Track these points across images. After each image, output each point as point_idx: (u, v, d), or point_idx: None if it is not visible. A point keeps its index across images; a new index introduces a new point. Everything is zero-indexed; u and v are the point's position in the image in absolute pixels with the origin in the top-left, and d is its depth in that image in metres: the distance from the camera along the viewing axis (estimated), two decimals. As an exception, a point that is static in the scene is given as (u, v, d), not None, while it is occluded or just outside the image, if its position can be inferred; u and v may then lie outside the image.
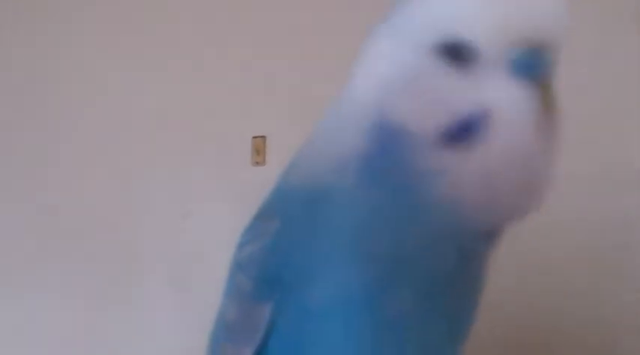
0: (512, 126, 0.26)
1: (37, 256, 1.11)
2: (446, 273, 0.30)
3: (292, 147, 0.39)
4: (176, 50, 1.13)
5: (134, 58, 1.16)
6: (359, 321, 0.29)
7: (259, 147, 1.05)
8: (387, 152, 0.28)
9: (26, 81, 1.19)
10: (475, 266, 0.32)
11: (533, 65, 0.26)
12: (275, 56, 1.06)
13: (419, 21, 0.28)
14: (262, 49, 1.07)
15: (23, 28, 1.21)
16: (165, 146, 1.10)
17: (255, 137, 1.06)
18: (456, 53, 0.27)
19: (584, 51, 0.96)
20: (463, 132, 0.27)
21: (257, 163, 1.05)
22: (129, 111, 1.14)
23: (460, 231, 0.28)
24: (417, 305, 0.29)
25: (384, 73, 0.29)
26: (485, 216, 0.28)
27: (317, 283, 0.30)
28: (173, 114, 1.11)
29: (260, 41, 1.08)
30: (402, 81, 0.28)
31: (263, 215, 0.37)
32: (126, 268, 1.09)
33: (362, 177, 0.29)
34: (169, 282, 1.07)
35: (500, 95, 0.26)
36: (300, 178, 0.34)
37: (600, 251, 0.85)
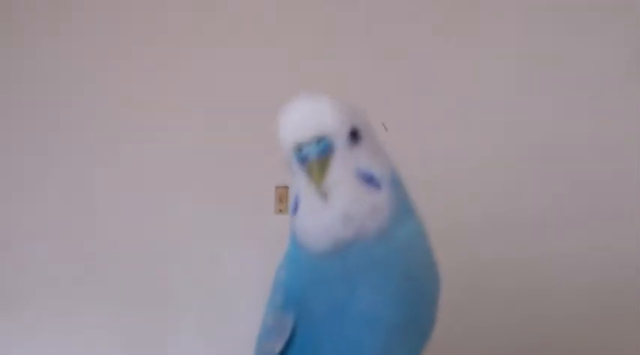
0: (306, 196, 0.42)
1: (76, 301, 1.17)
2: None
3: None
4: (204, 100, 1.21)
5: (163, 105, 1.23)
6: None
7: (282, 196, 1.13)
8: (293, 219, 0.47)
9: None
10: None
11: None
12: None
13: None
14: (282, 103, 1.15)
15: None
16: (195, 196, 1.18)
17: (278, 187, 1.14)
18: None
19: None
20: (295, 207, 0.44)
21: (280, 211, 1.12)
22: (156, 162, 1.21)
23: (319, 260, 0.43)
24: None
25: None
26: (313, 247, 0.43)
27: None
28: (201, 164, 1.19)
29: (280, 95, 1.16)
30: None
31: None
32: (158, 316, 1.14)
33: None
34: (199, 329, 1.12)
35: (299, 178, 0.43)
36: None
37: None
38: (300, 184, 0.41)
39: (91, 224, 1.21)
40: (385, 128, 1.12)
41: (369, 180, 0.41)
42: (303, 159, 0.41)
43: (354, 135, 0.41)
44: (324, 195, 0.39)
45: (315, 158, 0.40)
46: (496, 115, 1.06)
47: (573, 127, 1.02)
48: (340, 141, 0.41)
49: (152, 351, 1.14)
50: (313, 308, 0.42)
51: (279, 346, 0.43)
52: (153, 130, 1.23)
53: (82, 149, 1.24)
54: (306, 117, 0.42)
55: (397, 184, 0.42)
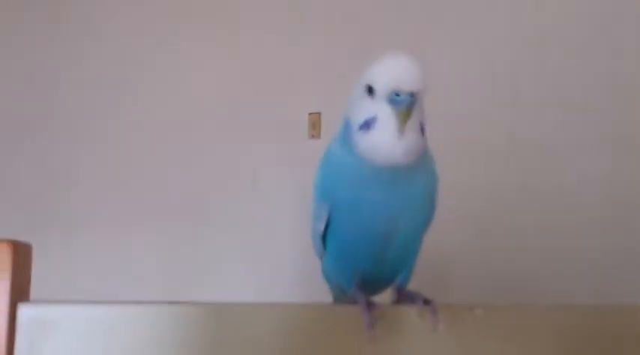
0: (384, 124, 0.55)
1: (124, 229, 1.27)
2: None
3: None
4: (237, 29, 1.27)
5: (195, 46, 1.29)
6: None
7: (315, 122, 1.19)
8: (347, 131, 0.59)
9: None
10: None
11: (396, 101, 0.54)
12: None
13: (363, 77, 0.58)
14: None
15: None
16: (231, 124, 1.25)
17: (311, 113, 1.20)
18: (370, 90, 0.56)
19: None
20: (365, 125, 0.56)
21: (313, 136, 1.19)
22: (197, 93, 1.28)
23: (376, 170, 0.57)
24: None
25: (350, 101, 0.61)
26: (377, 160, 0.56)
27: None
28: (236, 93, 1.25)
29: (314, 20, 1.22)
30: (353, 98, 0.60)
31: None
32: (201, 240, 1.23)
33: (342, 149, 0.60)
34: (239, 251, 1.21)
35: (382, 111, 0.55)
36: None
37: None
38: (383, 113, 0.55)
39: (137, 157, 1.30)
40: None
41: (422, 129, 0.57)
42: (397, 102, 0.54)
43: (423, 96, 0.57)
44: (401, 132, 0.54)
45: (406, 107, 0.53)
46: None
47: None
48: (420, 99, 0.55)
49: (195, 274, 1.22)
50: (342, 197, 0.60)
51: (321, 227, 0.63)
52: (189, 59, 1.29)
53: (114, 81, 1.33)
54: (408, 72, 0.55)
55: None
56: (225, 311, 0.56)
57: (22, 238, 0.56)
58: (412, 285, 0.65)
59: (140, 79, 1.32)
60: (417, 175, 0.58)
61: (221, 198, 1.23)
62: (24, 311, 0.54)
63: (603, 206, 1.04)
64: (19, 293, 0.55)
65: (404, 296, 0.61)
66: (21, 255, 0.56)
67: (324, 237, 0.64)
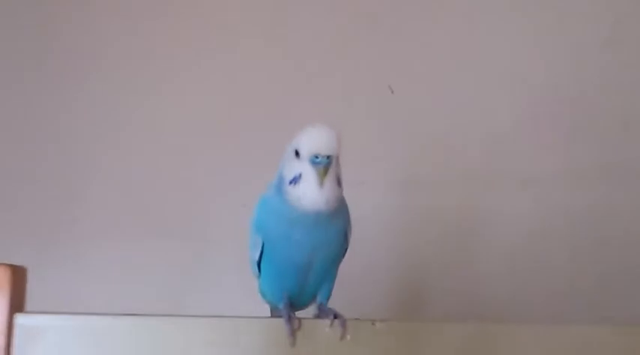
0: (307, 179, 0.70)
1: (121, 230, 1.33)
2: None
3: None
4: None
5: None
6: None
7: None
8: (279, 184, 0.75)
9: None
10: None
11: (316, 162, 0.70)
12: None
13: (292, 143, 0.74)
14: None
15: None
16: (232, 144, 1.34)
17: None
18: (297, 153, 0.71)
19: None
20: (294, 180, 0.71)
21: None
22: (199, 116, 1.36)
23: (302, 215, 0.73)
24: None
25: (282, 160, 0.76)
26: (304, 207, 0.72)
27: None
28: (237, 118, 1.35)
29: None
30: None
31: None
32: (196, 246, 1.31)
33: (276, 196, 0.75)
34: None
35: (306, 169, 0.71)
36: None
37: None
38: (306, 171, 0.71)
39: (138, 153, 1.36)
40: (392, 90, 1.33)
41: (339, 182, 0.73)
42: (316, 163, 0.70)
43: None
44: (321, 185, 0.70)
45: (324, 166, 0.70)
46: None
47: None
48: (335, 159, 0.72)
49: (194, 289, 1.30)
50: (273, 234, 0.76)
51: (256, 255, 0.78)
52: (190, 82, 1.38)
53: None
54: (325, 139, 0.71)
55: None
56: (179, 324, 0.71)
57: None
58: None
59: (145, 97, 1.38)
60: (334, 219, 0.75)
61: (220, 216, 1.30)
62: (20, 320, 0.69)
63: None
64: (16, 306, 0.70)
65: (322, 312, 0.78)
66: (17, 275, 0.70)
67: (259, 262, 0.80)
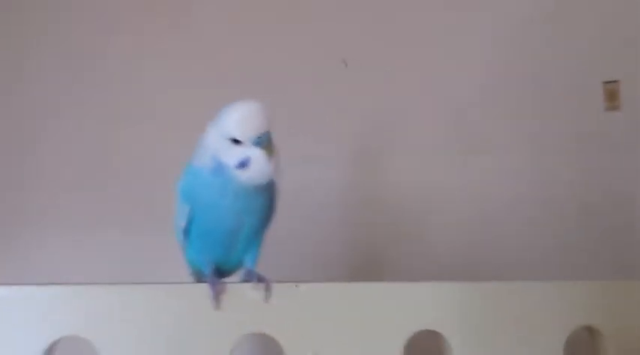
0: (258, 161, 0.71)
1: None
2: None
3: None
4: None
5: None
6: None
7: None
8: (220, 168, 0.73)
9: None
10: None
11: (258, 142, 0.71)
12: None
13: (221, 129, 0.74)
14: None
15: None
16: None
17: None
18: (236, 141, 0.72)
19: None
20: (241, 164, 0.72)
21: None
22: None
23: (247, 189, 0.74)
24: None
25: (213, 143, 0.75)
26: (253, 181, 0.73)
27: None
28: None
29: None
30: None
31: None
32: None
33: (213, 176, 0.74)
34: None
35: (253, 152, 0.72)
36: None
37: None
38: (254, 153, 0.71)
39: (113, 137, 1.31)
40: (345, 64, 1.33)
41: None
42: (260, 143, 0.71)
43: None
44: (270, 158, 0.71)
45: (267, 142, 0.71)
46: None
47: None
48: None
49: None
50: (203, 202, 0.76)
51: (183, 223, 0.79)
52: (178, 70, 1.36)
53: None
54: (259, 118, 0.72)
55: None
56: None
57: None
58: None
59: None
60: (265, 185, 0.75)
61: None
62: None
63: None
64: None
65: (248, 275, 0.79)
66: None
67: (185, 230, 0.80)
